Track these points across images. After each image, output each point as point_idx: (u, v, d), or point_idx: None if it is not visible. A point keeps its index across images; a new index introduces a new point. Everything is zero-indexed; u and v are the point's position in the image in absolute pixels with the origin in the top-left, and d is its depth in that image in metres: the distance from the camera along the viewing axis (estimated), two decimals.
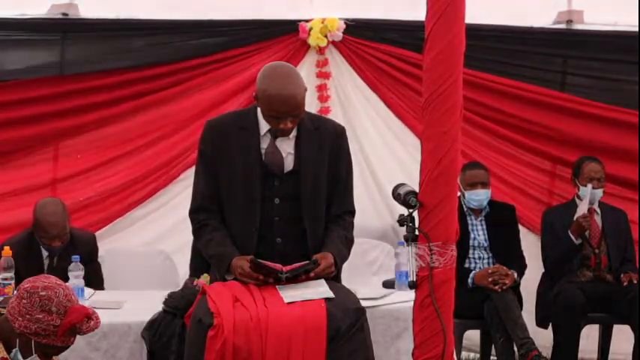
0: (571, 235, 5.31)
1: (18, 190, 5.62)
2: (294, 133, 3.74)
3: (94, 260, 4.99)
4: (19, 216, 5.33)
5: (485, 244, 5.34)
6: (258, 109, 3.73)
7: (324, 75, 5.93)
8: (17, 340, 2.95)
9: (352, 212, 3.89)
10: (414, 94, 5.79)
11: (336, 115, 5.73)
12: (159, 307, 3.98)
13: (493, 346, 5.30)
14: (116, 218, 5.73)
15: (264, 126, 3.73)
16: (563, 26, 5.96)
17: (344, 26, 5.83)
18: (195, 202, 3.82)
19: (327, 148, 3.77)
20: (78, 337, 3.04)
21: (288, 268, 3.59)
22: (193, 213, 3.82)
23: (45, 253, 4.83)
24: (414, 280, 3.33)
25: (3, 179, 5.65)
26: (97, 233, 5.45)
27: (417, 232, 3.30)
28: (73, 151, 5.75)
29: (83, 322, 2.97)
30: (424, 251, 3.28)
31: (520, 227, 5.56)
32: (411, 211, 3.33)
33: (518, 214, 5.59)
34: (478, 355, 5.66)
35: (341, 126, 3.94)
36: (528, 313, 5.32)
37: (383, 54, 5.91)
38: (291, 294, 3.54)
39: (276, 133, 3.71)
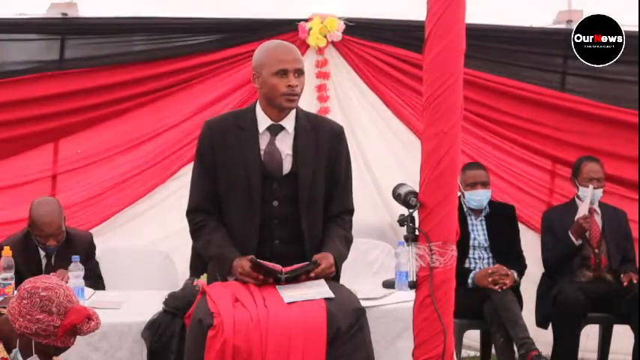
0: (571, 236, 5.31)
1: (18, 186, 5.62)
2: (292, 131, 3.73)
3: (91, 259, 4.98)
4: (20, 212, 5.32)
5: (486, 244, 5.33)
6: (257, 107, 3.74)
7: (323, 75, 5.92)
8: (17, 340, 2.95)
9: (351, 211, 3.89)
10: (413, 94, 5.79)
11: (335, 116, 5.73)
12: (159, 307, 3.98)
13: (493, 346, 5.31)
14: (115, 213, 5.73)
15: (262, 124, 3.72)
16: (563, 26, 5.95)
17: (343, 26, 5.82)
18: (192, 202, 3.80)
19: (326, 148, 3.76)
20: (78, 337, 3.04)
21: (288, 269, 3.59)
22: (190, 213, 3.81)
23: (42, 253, 4.82)
24: (414, 280, 3.33)
25: (3, 176, 5.65)
26: (96, 230, 5.47)
27: (417, 232, 3.31)
28: (73, 148, 5.75)
29: (84, 322, 2.97)
30: (424, 251, 3.28)
31: (520, 227, 5.55)
32: (411, 211, 3.33)
33: (518, 214, 5.59)
34: (478, 355, 5.66)
35: (339, 125, 3.93)
36: (528, 313, 5.32)
37: (382, 54, 5.91)
38: (291, 294, 3.53)
39: (275, 131, 3.71)
